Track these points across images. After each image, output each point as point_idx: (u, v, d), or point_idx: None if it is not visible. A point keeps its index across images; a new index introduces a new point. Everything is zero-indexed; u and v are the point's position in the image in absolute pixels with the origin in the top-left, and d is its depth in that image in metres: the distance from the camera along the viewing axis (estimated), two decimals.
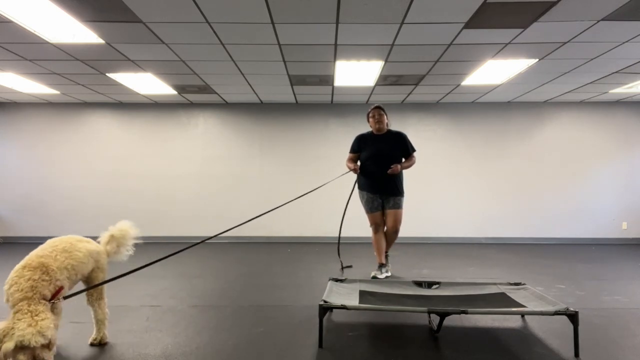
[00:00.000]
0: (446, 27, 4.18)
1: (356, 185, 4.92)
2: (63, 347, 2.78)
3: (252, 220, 7.77)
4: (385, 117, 4.68)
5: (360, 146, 4.76)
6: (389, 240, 4.82)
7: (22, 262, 2.33)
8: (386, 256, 4.87)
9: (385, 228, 4.77)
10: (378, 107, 4.69)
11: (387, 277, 4.71)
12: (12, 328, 2.04)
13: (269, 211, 3.62)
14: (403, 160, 4.75)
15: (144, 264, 2.78)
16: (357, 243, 7.47)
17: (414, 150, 4.75)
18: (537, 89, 6.77)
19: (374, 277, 4.63)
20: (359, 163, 4.79)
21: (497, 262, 5.82)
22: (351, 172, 4.88)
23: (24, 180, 7.90)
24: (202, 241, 3.02)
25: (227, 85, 6.55)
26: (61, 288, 2.35)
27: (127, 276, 4.30)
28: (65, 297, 2.39)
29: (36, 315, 2.11)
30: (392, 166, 4.54)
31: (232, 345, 2.81)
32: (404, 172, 4.83)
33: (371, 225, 4.76)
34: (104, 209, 7.89)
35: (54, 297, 2.29)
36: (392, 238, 4.79)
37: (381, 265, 4.74)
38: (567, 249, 7.09)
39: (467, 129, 7.89)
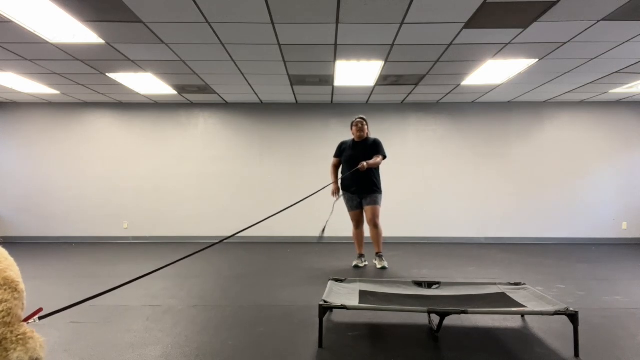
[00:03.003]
0: (446, 27, 4.18)
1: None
2: (63, 348, 2.78)
3: (253, 221, 7.79)
4: (366, 127, 5.30)
5: (342, 151, 5.41)
6: (372, 237, 5.27)
7: None
8: (380, 256, 5.31)
9: (365, 223, 5.31)
10: (361, 118, 5.32)
11: (365, 265, 5.40)
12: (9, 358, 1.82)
13: (274, 215, 3.63)
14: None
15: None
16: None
17: (384, 155, 5.28)
18: (537, 89, 6.77)
19: (356, 267, 5.31)
20: (340, 179, 5.37)
21: (497, 262, 5.82)
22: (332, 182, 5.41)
23: (23, 180, 7.90)
24: (221, 241, 3.01)
25: (227, 85, 6.55)
26: (40, 309, 2.05)
27: (127, 277, 4.30)
28: (42, 318, 2.05)
29: (30, 337, 1.90)
30: (359, 165, 5.08)
31: (232, 345, 2.81)
32: (382, 172, 5.39)
33: (352, 221, 5.41)
34: (103, 209, 7.89)
35: (29, 319, 1.99)
36: (373, 234, 5.25)
37: (360, 256, 5.42)
38: (567, 249, 7.08)
39: (467, 129, 7.88)
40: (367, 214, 5.23)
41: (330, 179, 5.51)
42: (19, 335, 1.88)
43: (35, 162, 7.91)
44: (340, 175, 5.37)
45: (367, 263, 5.46)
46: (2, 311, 1.87)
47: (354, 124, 5.29)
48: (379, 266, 5.24)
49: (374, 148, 5.24)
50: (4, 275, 1.96)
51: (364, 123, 5.28)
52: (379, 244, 5.27)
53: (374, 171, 5.21)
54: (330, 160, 5.31)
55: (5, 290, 1.93)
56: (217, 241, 3.06)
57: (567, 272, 5.17)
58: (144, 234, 7.90)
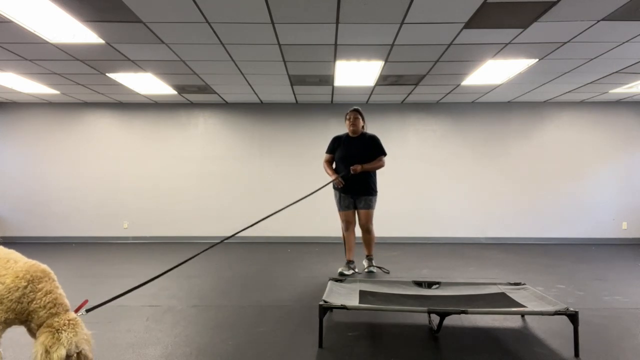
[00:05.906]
0: (446, 27, 4.18)
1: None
2: None
3: (253, 221, 7.78)
4: (360, 120, 4.83)
5: (335, 147, 4.92)
6: (364, 240, 5.00)
7: (24, 275, 1.91)
8: (370, 259, 5.03)
9: (358, 227, 4.93)
10: (355, 110, 4.85)
11: (353, 273, 4.82)
12: (59, 338, 1.87)
13: (270, 215, 3.63)
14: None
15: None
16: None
17: (384, 153, 4.86)
18: (537, 89, 6.77)
19: (341, 274, 4.74)
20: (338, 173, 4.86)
21: (497, 262, 5.82)
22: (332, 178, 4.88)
23: (24, 180, 7.89)
24: (221, 241, 3.02)
25: (227, 85, 6.55)
26: (85, 301, 2.11)
27: (127, 277, 4.30)
28: (89, 310, 2.12)
29: (78, 323, 1.95)
30: (352, 167, 4.66)
31: (232, 345, 2.81)
32: (377, 172, 4.97)
33: (342, 222, 4.92)
34: (103, 209, 7.88)
35: (78, 310, 2.06)
36: (365, 238, 4.97)
37: (349, 262, 4.87)
38: (567, 249, 7.08)
39: (467, 129, 7.88)
40: (360, 217, 4.87)
41: (327, 175, 4.95)
42: (69, 320, 1.93)
43: (35, 162, 7.91)
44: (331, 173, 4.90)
45: (356, 270, 4.90)
46: (49, 302, 1.91)
47: (347, 117, 4.84)
48: (366, 270, 4.95)
49: (372, 146, 4.79)
50: (41, 268, 1.98)
51: (358, 116, 4.80)
52: (370, 247, 4.99)
53: (370, 172, 4.81)
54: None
55: (47, 281, 1.95)
56: (217, 241, 3.06)
57: (567, 272, 5.17)
58: (144, 234, 7.89)
